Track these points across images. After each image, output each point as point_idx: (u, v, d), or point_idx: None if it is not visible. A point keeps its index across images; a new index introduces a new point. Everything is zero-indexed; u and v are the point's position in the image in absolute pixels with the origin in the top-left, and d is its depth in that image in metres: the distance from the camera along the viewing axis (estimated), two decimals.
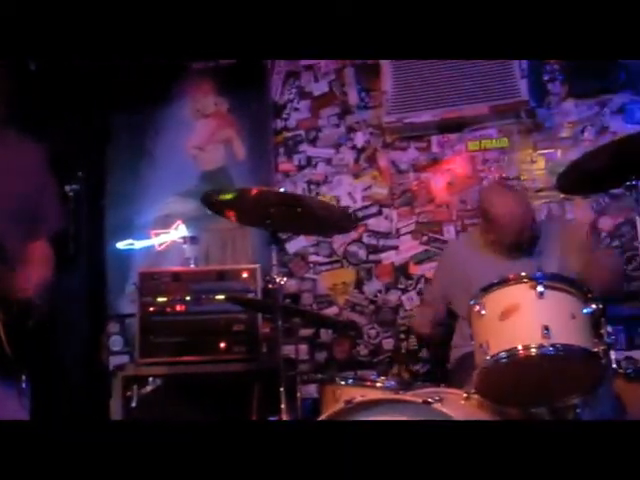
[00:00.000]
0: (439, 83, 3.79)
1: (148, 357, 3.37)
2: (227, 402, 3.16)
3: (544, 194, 3.69)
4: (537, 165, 3.78)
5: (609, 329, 2.32)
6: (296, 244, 4.03)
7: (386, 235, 3.96)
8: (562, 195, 3.53)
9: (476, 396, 2.30)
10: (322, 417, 2.32)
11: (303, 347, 3.76)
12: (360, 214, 3.98)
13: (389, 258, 3.93)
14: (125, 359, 3.85)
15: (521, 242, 2.92)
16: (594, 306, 2.28)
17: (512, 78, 3.67)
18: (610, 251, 3.47)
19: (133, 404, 3.28)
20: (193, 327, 3.40)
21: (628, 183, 2.63)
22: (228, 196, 2.83)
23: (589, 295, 2.30)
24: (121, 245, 4.11)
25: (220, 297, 3.40)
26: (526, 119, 3.77)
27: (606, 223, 3.64)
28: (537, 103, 3.76)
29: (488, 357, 2.20)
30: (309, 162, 4.15)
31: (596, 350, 2.20)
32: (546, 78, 3.80)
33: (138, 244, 4.11)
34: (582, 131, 3.73)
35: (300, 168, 4.15)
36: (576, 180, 2.78)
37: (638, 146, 2.54)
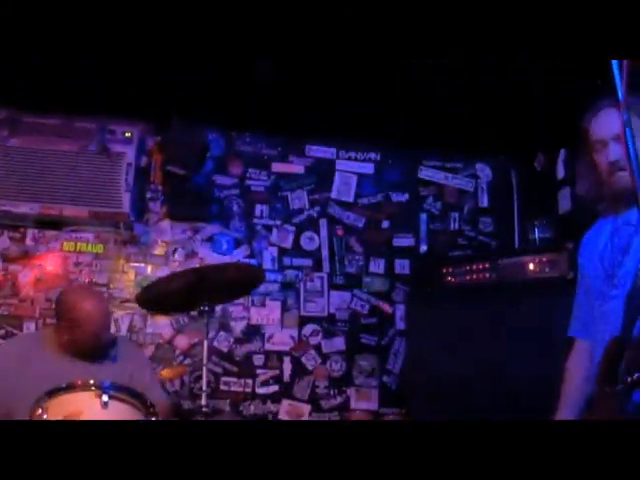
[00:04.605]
0: (43, 177, 3.75)
1: None
2: None
3: (129, 305, 3.82)
4: (127, 276, 3.92)
5: None
6: None
7: None
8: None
9: None
10: None
11: None
12: None
13: None
14: None
15: (96, 346, 2.94)
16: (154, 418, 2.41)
17: (116, 189, 3.80)
18: None
19: None
20: None
21: (201, 308, 2.94)
22: None
23: (151, 409, 2.43)
24: None
25: None
26: (124, 230, 3.91)
27: (182, 341, 3.88)
28: (136, 217, 3.94)
29: None
30: None
31: None
32: (148, 196, 4.03)
33: None
34: (173, 252, 4.00)
35: None
36: (154, 298, 3.01)
37: (209, 276, 2.90)
